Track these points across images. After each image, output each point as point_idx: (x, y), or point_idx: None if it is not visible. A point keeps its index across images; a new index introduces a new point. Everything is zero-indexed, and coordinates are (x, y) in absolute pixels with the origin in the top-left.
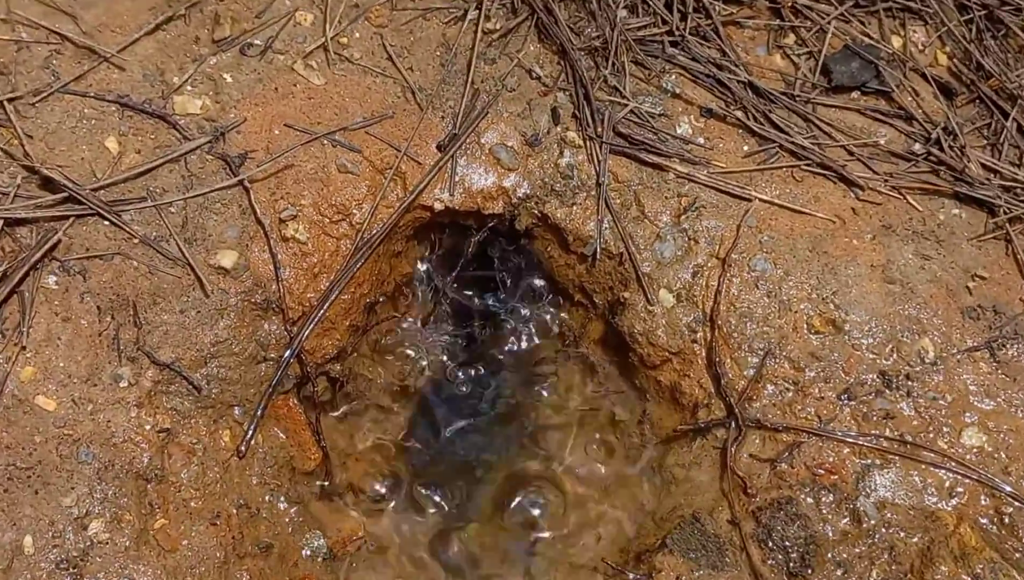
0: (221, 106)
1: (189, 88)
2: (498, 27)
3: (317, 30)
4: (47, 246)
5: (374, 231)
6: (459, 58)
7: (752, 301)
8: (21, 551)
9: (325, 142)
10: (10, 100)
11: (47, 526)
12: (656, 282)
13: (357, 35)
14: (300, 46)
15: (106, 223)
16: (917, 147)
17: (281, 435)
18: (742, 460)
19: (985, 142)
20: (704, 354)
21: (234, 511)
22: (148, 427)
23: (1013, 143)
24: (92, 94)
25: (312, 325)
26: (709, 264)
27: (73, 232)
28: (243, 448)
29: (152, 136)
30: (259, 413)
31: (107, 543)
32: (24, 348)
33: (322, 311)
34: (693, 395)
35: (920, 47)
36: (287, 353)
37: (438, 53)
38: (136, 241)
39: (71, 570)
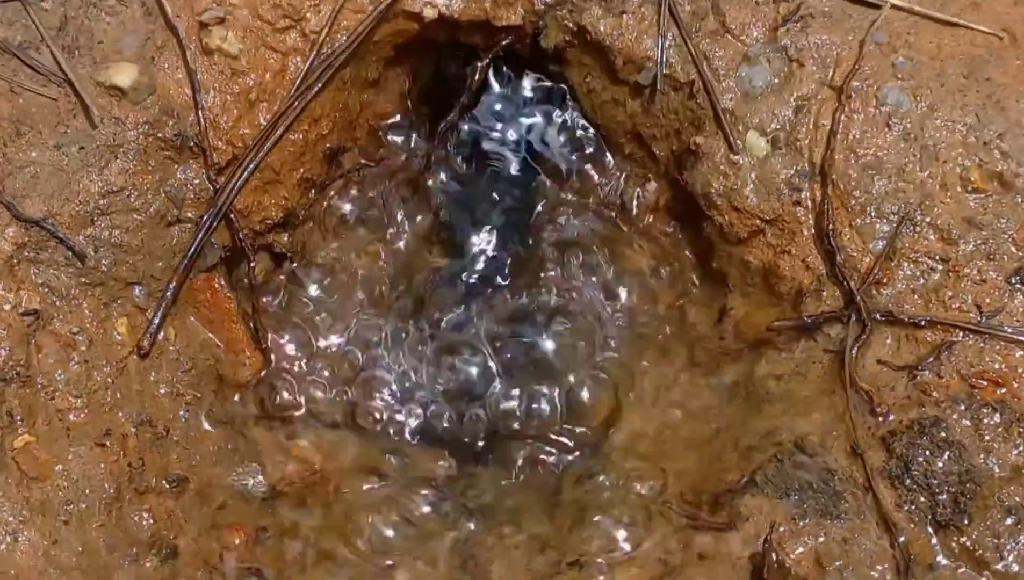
0: None
1: None
2: None
3: None
4: None
5: (336, 45)
6: None
7: (882, 147)
8: None
9: None
10: None
11: None
12: (742, 121)
13: None
14: None
15: None
16: None
17: (202, 329)
18: (867, 367)
19: None
20: (812, 222)
21: (132, 430)
22: (7, 308)
23: None
24: None
25: (247, 173)
26: (820, 95)
27: None
28: (146, 344)
29: None
30: (169, 295)
31: None
32: None
33: (261, 154)
34: (796, 279)
35: None
36: (210, 212)
37: None
38: None
39: None
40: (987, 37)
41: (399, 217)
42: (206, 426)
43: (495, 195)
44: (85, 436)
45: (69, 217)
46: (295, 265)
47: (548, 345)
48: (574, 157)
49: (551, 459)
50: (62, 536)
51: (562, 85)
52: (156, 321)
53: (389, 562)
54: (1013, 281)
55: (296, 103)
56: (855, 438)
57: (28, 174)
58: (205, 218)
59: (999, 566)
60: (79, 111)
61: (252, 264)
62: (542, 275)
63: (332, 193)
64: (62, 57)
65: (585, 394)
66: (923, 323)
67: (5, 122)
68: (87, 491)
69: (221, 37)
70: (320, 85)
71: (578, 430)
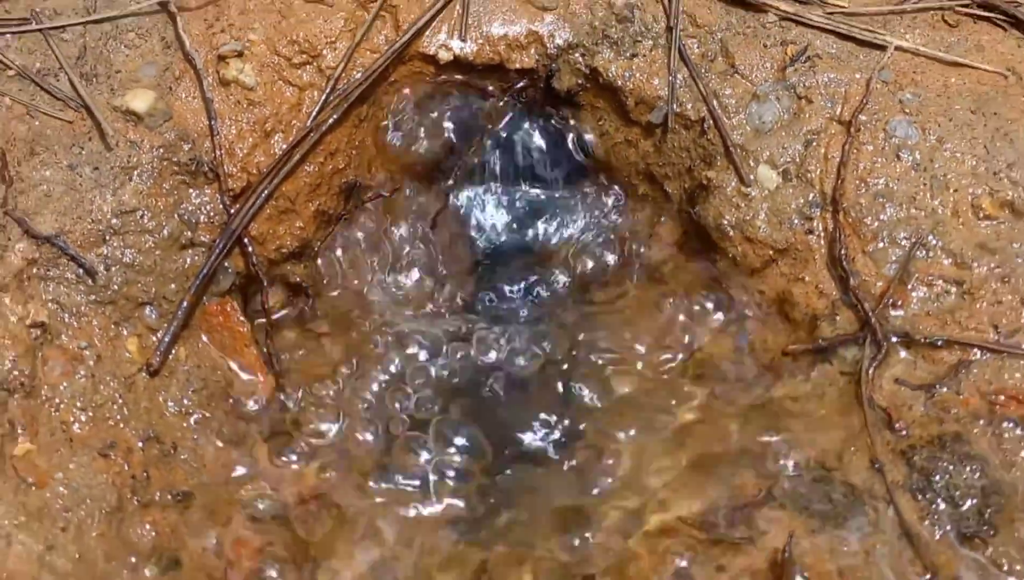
0: None
1: None
2: None
3: None
4: None
5: (352, 80)
6: None
7: (892, 176)
8: None
9: None
10: None
11: None
12: (753, 156)
13: None
14: None
15: None
16: None
17: (214, 352)
18: (885, 387)
19: None
20: (824, 249)
21: (138, 444)
22: (14, 319)
23: None
24: None
25: (261, 199)
26: (829, 130)
27: None
28: (156, 362)
29: None
30: (181, 315)
31: None
32: None
33: (276, 180)
34: (810, 305)
35: None
36: (223, 236)
37: None
38: (12, 73)
39: None
40: (993, 76)
41: (406, 250)
42: (216, 444)
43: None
44: (88, 447)
45: (81, 235)
46: (310, 295)
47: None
48: (588, 196)
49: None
50: (58, 542)
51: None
52: (166, 340)
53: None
54: None
55: (311, 134)
56: (874, 453)
57: (41, 192)
58: (218, 242)
59: None
60: (94, 134)
61: (266, 295)
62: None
63: (349, 224)
64: (79, 83)
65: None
66: (940, 343)
67: (20, 143)
68: (87, 500)
69: (238, 69)
70: (335, 118)
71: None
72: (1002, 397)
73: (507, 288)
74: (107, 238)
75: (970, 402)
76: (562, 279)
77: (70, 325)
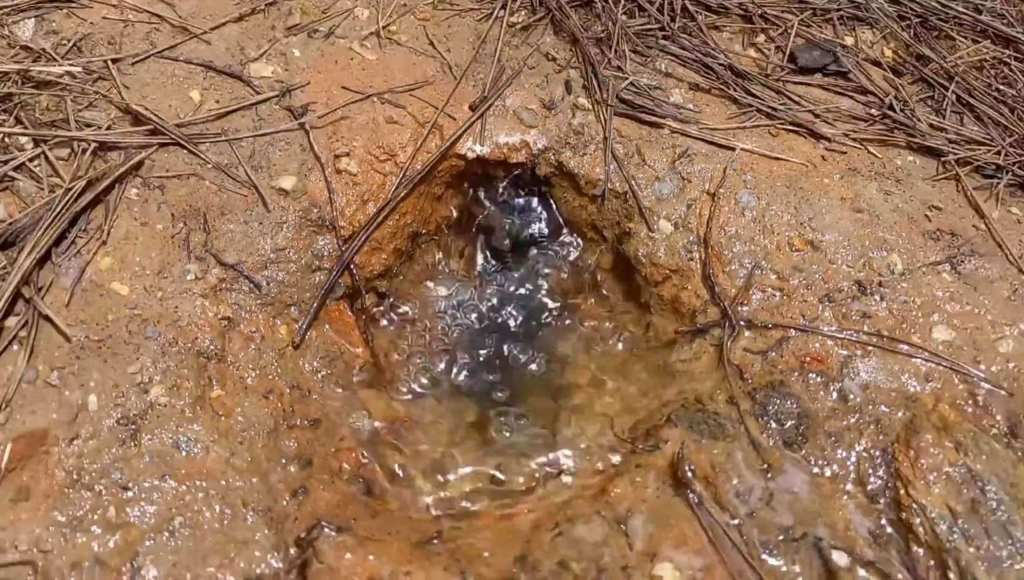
0: (289, 72)
1: (264, 60)
2: (521, 21)
3: (372, 21)
4: (131, 163)
5: (416, 169)
6: (488, 44)
7: (740, 225)
8: (86, 407)
9: (375, 100)
10: (113, 61)
11: (111, 387)
12: (656, 213)
13: (404, 26)
14: (357, 32)
15: (184, 152)
16: (874, 111)
17: (333, 334)
18: (737, 353)
19: (930, 109)
20: (699, 270)
21: (287, 390)
22: (211, 314)
23: (955, 109)
24: (182, 59)
25: (361, 241)
26: (701, 198)
27: (156, 157)
28: (297, 340)
29: (230, 91)
30: (313, 311)
31: (166, 406)
32: (104, 242)
33: (370, 230)
34: (691, 304)
35: (869, 44)
36: (338, 265)
37: (471, 40)
38: (209, 166)
39: (129, 426)
40: (799, 165)
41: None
42: (334, 389)
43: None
44: (256, 392)
45: (252, 264)
46: (392, 300)
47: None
48: (555, 241)
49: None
50: (238, 451)
51: (548, 198)
52: (304, 326)
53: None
54: (823, 301)
55: (390, 203)
56: (732, 394)
57: (227, 237)
58: (335, 268)
59: (826, 471)
60: (259, 203)
61: (363, 297)
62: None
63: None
64: (250, 171)
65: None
66: (770, 326)
67: (215, 208)
68: (255, 424)
69: (347, 163)
70: (405, 194)
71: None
72: (808, 358)
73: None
74: (268, 265)
75: (789, 362)
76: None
77: (245, 318)
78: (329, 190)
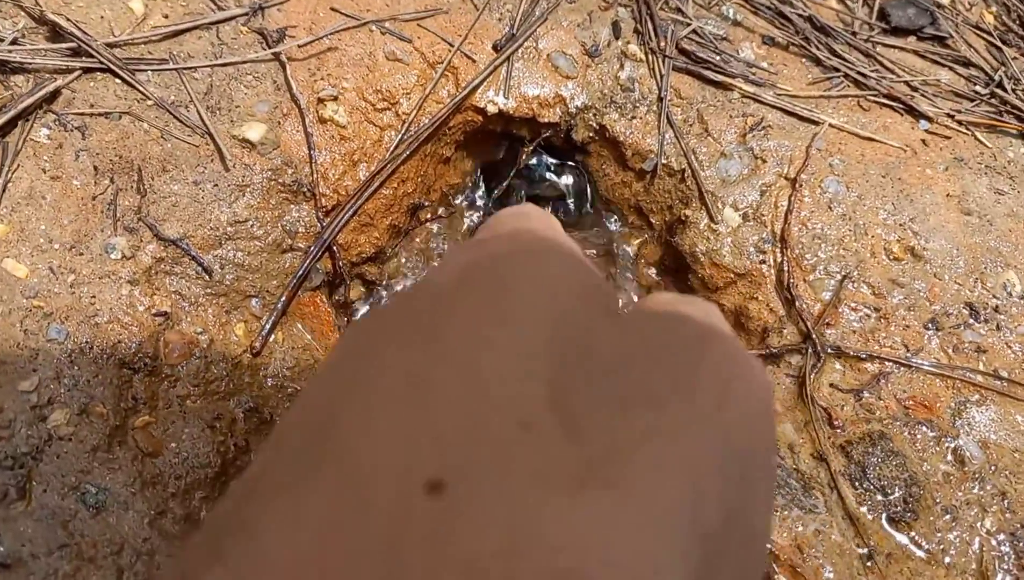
0: None
1: None
2: None
3: None
4: (43, 93)
5: (422, 124)
6: None
7: (826, 223)
8: None
9: (373, 28)
10: None
11: None
12: (720, 200)
13: None
14: None
15: (117, 81)
16: (980, 88)
17: (306, 335)
18: (822, 390)
19: None
20: (774, 276)
21: (240, 415)
22: (141, 308)
23: None
24: None
25: (348, 215)
26: (778, 184)
27: (78, 86)
28: (258, 345)
29: (183, 3)
30: (281, 305)
31: (68, 439)
32: None
33: (360, 201)
34: (762, 319)
35: (967, 5)
36: (316, 244)
37: None
38: (150, 103)
39: (16, 470)
40: (896, 149)
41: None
42: None
43: None
44: (198, 419)
45: (201, 239)
46: (383, 290)
47: None
48: (591, 225)
49: None
50: (168, 508)
51: (584, 171)
52: (268, 326)
53: None
54: (929, 327)
55: (388, 166)
56: (818, 445)
57: (169, 203)
58: (312, 248)
59: (944, 559)
60: (215, 157)
61: (348, 288)
62: None
63: (413, 238)
64: (206, 114)
65: None
66: (864, 356)
67: (155, 161)
68: (194, 466)
69: (333, 110)
70: (407, 154)
71: None
72: (912, 402)
73: None
74: (222, 242)
75: (889, 406)
76: None
77: (189, 313)
78: (309, 145)
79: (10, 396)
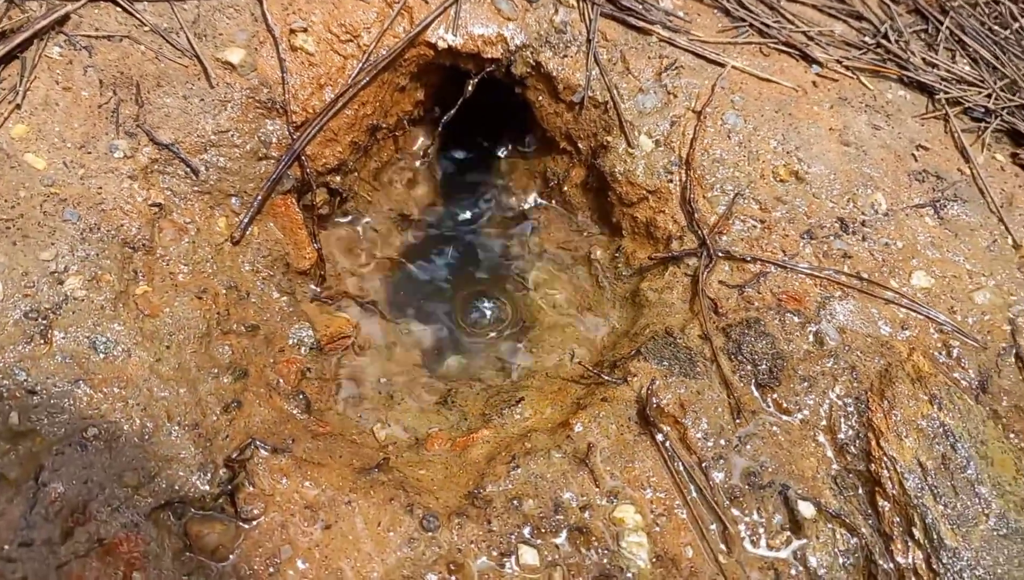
0: None
1: None
2: None
3: None
4: (54, 16)
5: (380, 55)
6: None
7: (724, 149)
8: None
9: None
10: None
11: (20, 275)
12: (637, 128)
13: None
14: None
15: (118, 9)
16: (867, 39)
17: (278, 232)
18: (712, 285)
19: (924, 44)
20: (678, 193)
21: (222, 290)
22: (140, 199)
23: (947, 46)
24: None
25: (315, 130)
26: (686, 116)
27: (84, 12)
28: (237, 235)
29: None
30: (256, 205)
31: (83, 300)
32: (19, 107)
33: (326, 118)
34: (667, 229)
35: None
36: (288, 154)
37: None
38: (146, 29)
39: (40, 321)
40: (789, 89)
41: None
42: (275, 294)
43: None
44: (187, 291)
45: (190, 144)
46: (344, 196)
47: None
48: (529, 147)
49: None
50: (164, 356)
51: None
52: (245, 220)
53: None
54: (804, 237)
55: (350, 90)
56: (704, 328)
57: (163, 112)
58: (284, 157)
59: (798, 417)
60: (202, 76)
61: (314, 194)
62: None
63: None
64: (194, 40)
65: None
66: (749, 259)
67: (150, 77)
68: (185, 327)
69: (303, 40)
70: (367, 81)
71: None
72: (785, 296)
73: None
74: (207, 148)
75: (766, 298)
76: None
77: (179, 206)
78: (282, 69)
79: (34, 264)
